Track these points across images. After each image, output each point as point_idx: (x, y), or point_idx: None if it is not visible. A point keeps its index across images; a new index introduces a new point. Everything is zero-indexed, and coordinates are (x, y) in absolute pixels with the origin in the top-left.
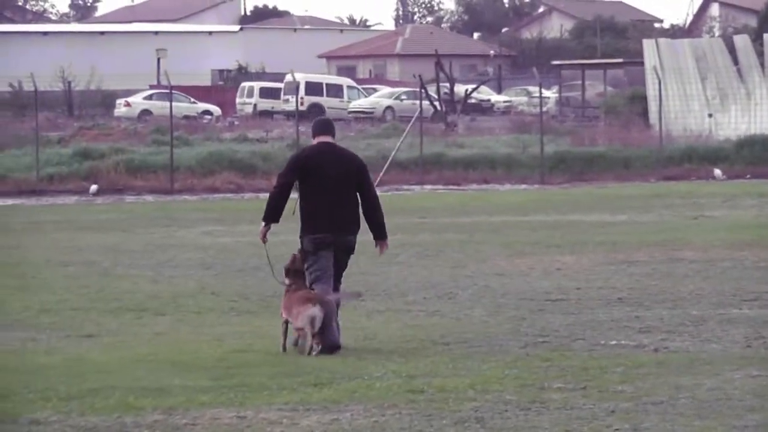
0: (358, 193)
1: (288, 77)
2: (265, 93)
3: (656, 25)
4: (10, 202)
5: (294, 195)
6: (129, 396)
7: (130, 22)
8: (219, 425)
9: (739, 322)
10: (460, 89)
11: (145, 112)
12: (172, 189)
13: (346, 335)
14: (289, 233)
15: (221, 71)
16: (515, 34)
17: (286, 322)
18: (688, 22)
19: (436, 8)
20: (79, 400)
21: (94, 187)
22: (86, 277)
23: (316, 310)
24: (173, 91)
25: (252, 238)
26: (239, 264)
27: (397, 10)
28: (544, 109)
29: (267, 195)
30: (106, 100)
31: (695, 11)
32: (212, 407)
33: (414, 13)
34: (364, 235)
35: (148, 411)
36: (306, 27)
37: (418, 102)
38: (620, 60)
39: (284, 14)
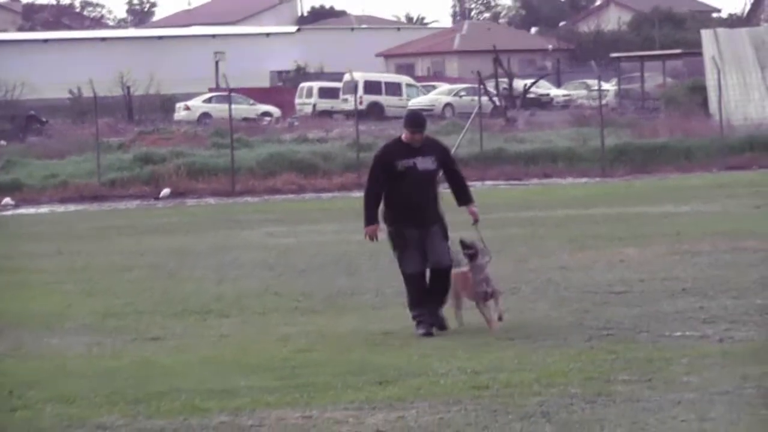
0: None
1: (346, 76)
2: (324, 93)
3: (714, 15)
4: (72, 208)
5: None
6: (195, 398)
7: (188, 25)
8: (285, 426)
9: None
10: (519, 84)
11: (205, 115)
12: (234, 191)
13: (409, 332)
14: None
15: (280, 72)
16: (573, 28)
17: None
18: (746, 11)
19: (493, 4)
20: (146, 403)
21: (166, 191)
22: (150, 280)
23: None
24: (232, 94)
25: (314, 237)
26: (302, 264)
27: (454, 6)
28: (604, 101)
29: (328, 194)
30: (166, 104)
31: (753, 0)
32: (278, 408)
33: (471, 10)
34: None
35: (215, 413)
36: (363, 26)
37: (477, 98)
38: (679, 51)
39: (341, 14)
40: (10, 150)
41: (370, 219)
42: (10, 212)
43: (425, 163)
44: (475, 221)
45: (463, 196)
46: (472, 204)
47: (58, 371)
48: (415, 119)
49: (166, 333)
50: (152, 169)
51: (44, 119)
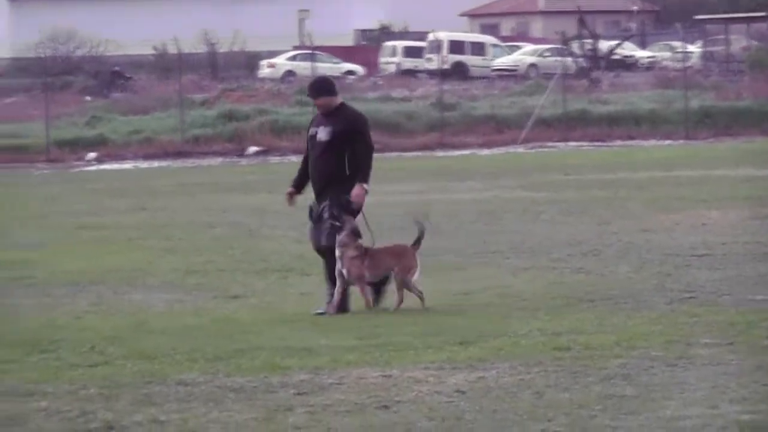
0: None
1: (431, 36)
2: (409, 52)
3: None
4: (156, 164)
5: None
6: (275, 356)
7: None
8: (365, 384)
9: None
10: (604, 45)
11: (289, 73)
12: None
13: (490, 293)
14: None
15: (364, 31)
16: None
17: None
18: None
19: None
20: (226, 360)
21: (253, 149)
22: (232, 238)
23: None
24: (316, 52)
25: (396, 198)
26: (385, 223)
27: None
28: (688, 63)
29: (411, 154)
30: (250, 61)
31: None
32: (358, 366)
33: None
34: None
35: (295, 371)
36: None
37: (561, 59)
38: (764, 14)
39: None
40: (94, 105)
41: (293, 182)
42: (94, 167)
43: (323, 133)
44: (349, 201)
45: (354, 174)
46: (359, 184)
47: (139, 328)
48: (310, 85)
49: (246, 291)
50: (236, 126)
51: (128, 75)
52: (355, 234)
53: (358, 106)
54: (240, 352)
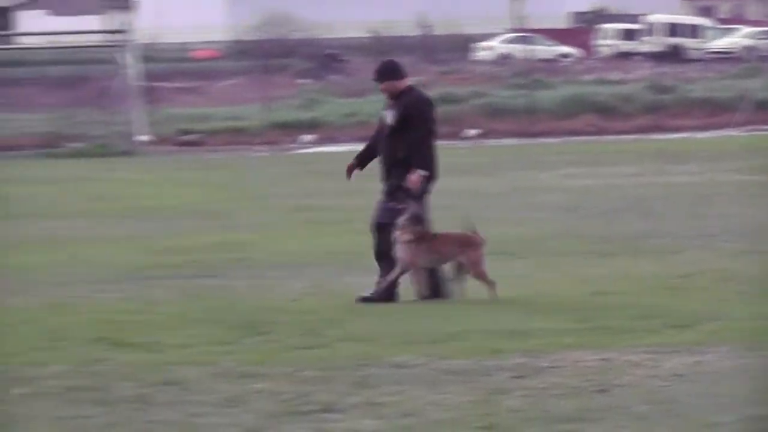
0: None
1: (647, 18)
2: (624, 34)
3: None
4: None
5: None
6: (490, 339)
7: None
8: (582, 367)
9: None
10: None
11: (504, 56)
12: (533, 132)
13: (707, 276)
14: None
15: (579, 13)
16: None
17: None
18: None
19: None
20: (441, 343)
21: (471, 132)
22: (447, 221)
23: None
24: (532, 34)
25: (612, 180)
26: (602, 206)
27: None
28: None
29: (627, 137)
30: (465, 44)
31: None
32: (574, 349)
33: None
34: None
35: (510, 353)
36: None
37: None
38: None
39: None
40: (310, 88)
41: (356, 156)
42: (311, 150)
43: (390, 116)
44: (406, 189)
45: (413, 158)
46: (415, 171)
47: (354, 310)
48: (375, 69)
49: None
50: (450, 109)
51: (343, 58)
52: (416, 219)
53: (574, 89)
54: (455, 335)
